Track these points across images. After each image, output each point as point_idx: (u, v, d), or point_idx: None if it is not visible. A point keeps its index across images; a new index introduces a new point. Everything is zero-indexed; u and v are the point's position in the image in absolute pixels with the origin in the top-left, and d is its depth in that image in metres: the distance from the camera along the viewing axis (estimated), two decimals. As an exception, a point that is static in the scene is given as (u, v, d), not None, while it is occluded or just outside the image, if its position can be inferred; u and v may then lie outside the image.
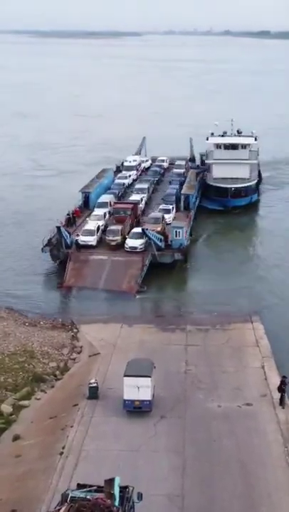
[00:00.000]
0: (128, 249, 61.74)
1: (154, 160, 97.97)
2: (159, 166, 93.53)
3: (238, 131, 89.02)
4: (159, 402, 36.96)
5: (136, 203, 71.08)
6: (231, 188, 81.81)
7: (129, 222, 66.06)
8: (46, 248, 62.37)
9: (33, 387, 40.61)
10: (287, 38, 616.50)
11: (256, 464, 32.06)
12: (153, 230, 61.49)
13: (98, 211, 69.45)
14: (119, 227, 64.30)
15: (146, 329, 48.23)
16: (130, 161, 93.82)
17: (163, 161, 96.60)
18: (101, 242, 63.70)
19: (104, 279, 58.12)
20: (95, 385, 38.19)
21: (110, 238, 62.99)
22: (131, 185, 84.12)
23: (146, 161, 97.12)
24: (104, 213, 68.73)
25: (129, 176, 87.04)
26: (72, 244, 62.39)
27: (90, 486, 25.26)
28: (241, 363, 42.42)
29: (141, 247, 61.42)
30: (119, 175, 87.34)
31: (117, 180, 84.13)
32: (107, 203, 71.89)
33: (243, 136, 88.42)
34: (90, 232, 63.36)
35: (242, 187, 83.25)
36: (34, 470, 32.42)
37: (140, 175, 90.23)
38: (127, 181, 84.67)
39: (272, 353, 43.87)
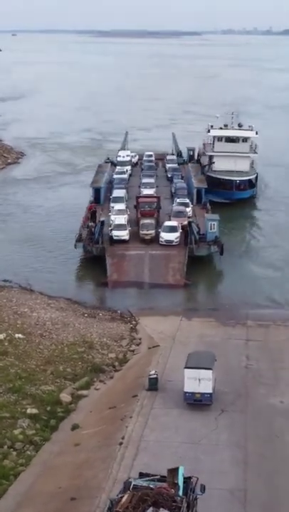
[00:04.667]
0: (163, 243, 61.09)
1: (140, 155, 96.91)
2: (150, 161, 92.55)
3: (239, 124, 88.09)
4: (220, 396, 36.13)
5: (159, 197, 70.65)
6: (236, 180, 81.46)
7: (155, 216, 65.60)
8: (79, 244, 60.45)
9: (92, 378, 40.46)
10: None
11: None
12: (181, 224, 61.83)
13: (119, 206, 68.05)
14: (152, 220, 63.75)
15: (206, 323, 47.50)
16: (124, 156, 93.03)
17: (151, 155, 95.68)
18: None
19: (148, 274, 57.05)
20: (154, 376, 37.64)
21: (145, 232, 62.07)
22: (128, 180, 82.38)
23: (135, 156, 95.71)
24: (127, 208, 67.92)
25: (126, 170, 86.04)
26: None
27: (153, 475, 24.80)
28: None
29: (176, 240, 61.06)
30: (117, 170, 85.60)
31: (116, 176, 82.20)
32: (122, 197, 71.37)
33: (244, 129, 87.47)
34: (123, 227, 62.30)
35: (246, 180, 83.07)
36: (93, 459, 32.14)
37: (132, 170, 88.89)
38: (126, 176, 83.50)
39: None
